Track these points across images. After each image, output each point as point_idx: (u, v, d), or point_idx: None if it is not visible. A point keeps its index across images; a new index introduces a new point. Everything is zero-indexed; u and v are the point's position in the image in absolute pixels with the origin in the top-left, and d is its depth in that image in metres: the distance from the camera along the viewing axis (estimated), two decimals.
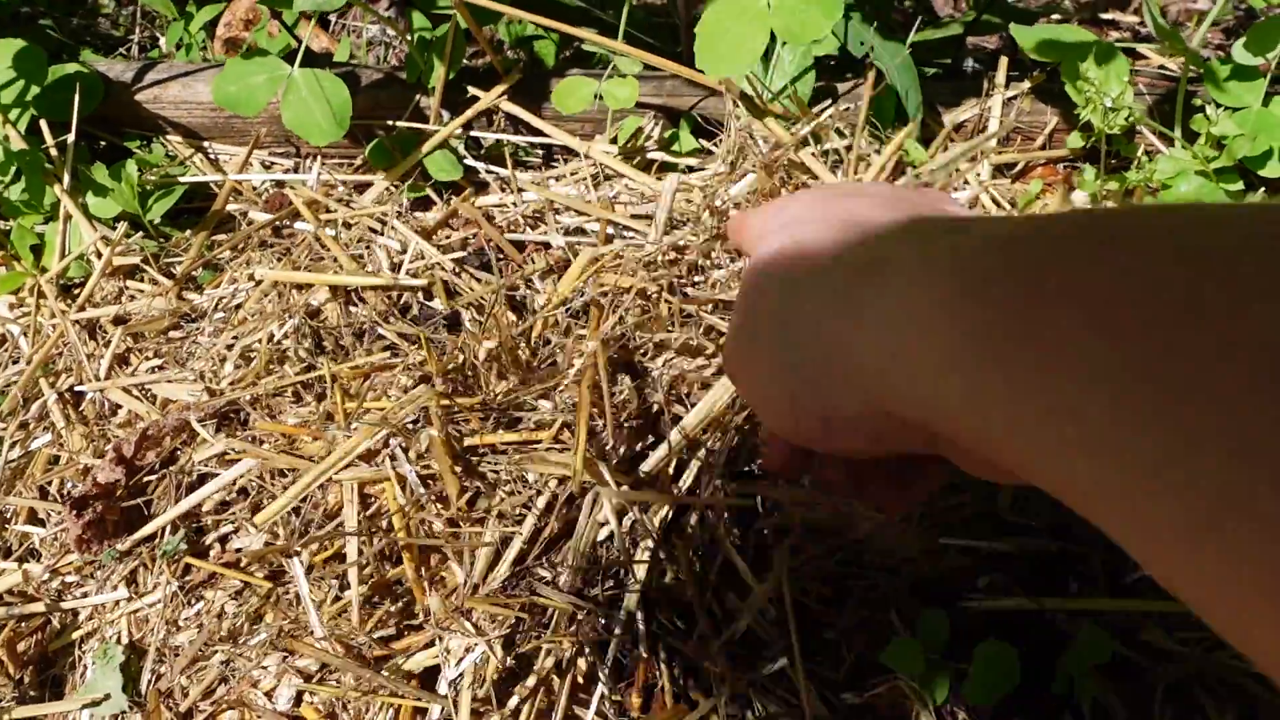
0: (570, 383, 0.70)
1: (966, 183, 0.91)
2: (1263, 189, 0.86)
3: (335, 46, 1.20)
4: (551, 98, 0.82)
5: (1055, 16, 1.21)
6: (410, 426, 0.71)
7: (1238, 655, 0.61)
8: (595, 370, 0.67)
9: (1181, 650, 0.64)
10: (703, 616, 0.64)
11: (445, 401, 0.70)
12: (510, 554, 0.67)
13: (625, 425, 0.69)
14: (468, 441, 0.69)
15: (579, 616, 0.64)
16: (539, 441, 0.70)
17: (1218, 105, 0.82)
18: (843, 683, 0.64)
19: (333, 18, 1.26)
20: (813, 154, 0.86)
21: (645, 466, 0.68)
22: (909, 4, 1.26)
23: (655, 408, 0.71)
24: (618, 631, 0.64)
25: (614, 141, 0.91)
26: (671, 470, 0.68)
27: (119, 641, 0.71)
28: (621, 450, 0.68)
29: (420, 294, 0.82)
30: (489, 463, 0.69)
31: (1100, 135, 0.85)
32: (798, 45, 0.85)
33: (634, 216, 0.83)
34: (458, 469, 0.67)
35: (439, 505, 0.68)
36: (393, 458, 0.70)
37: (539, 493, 0.67)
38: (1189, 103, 0.87)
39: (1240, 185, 0.85)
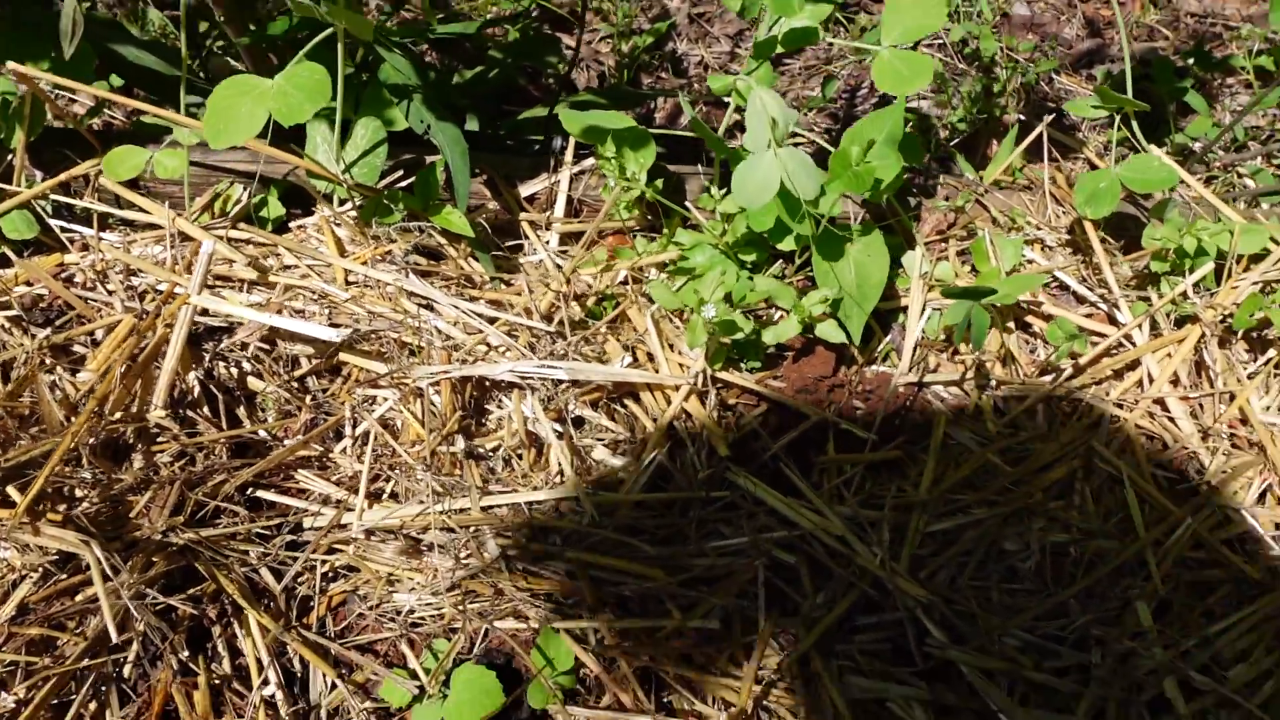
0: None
1: (535, 249, 1.01)
2: (780, 260, 0.99)
3: None
4: (103, 163, 0.86)
5: (683, 102, 1.34)
6: None
7: None
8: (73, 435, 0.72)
9: None
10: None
11: None
12: (18, 595, 0.71)
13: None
14: None
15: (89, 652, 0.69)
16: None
17: (720, 186, 0.94)
18: None
19: None
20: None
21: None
22: (549, 80, 1.38)
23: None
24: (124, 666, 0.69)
25: (208, 206, 0.96)
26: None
27: None
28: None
29: None
30: None
31: (629, 208, 0.97)
32: (369, 122, 0.94)
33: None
34: None
35: None
36: None
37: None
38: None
39: (755, 256, 0.97)
